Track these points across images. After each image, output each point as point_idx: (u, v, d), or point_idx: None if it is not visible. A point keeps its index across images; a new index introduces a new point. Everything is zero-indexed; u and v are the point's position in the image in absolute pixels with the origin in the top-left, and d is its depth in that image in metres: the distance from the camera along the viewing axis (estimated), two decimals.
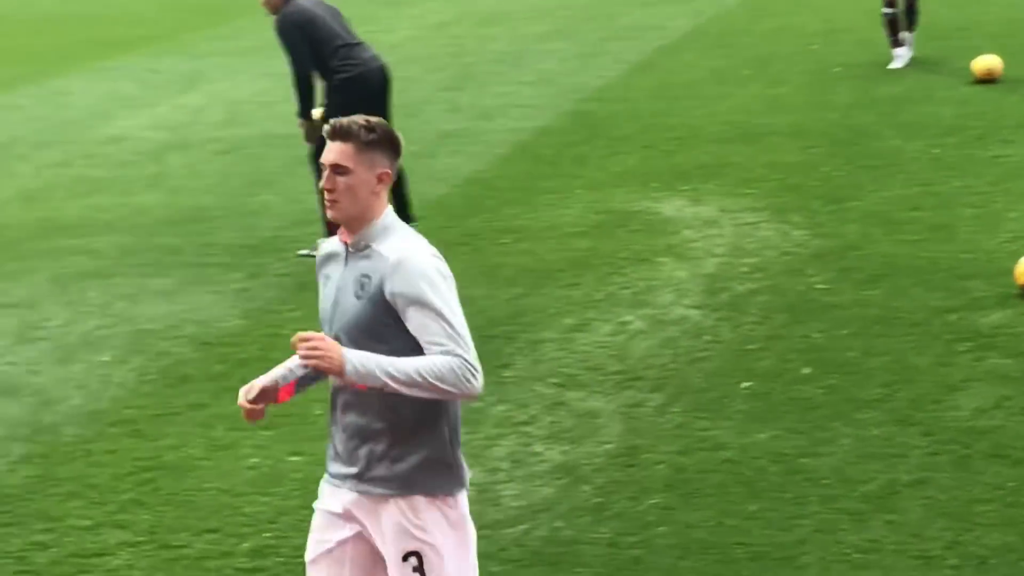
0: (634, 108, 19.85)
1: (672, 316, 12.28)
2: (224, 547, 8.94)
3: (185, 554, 8.90)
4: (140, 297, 13.47)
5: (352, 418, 6.09)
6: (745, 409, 10.40)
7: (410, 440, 6.04)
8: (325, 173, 6.11)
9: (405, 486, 6.04)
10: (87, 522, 9.30)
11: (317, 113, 14.10)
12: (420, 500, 6.04)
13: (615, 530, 8.85)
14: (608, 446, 9.96)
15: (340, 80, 14.18)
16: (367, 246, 6.08)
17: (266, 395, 6.14)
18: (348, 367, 5.81)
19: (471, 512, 6.14)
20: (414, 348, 6.01)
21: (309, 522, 9.00)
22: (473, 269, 13.37)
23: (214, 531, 9.14)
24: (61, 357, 12.10)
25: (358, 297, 6.05)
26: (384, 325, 6.01)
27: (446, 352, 5.93)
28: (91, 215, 16.27)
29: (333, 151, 6.08)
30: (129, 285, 13.84)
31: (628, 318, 12.21)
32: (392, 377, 5.83)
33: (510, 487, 9.44)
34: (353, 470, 6.09)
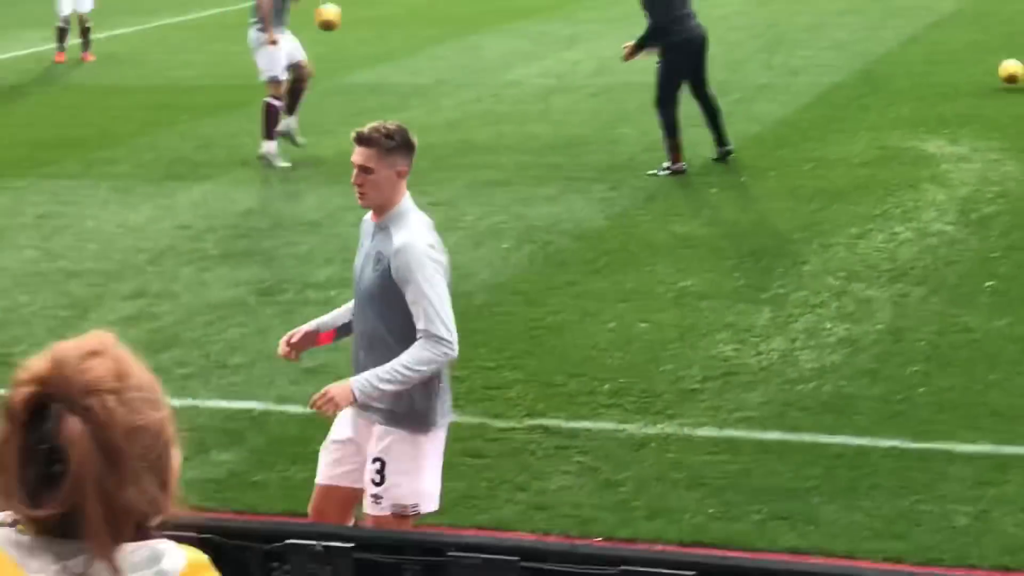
0: (908, 70, 19.56)
1: (932, 229, 12.25)
2: (589, 387, 9.17)
3: (561, 391, 9.15)
4: (531, 201, 13.74)
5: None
6: (988, 302, 10.37)
7: (403, 394, 5.95)
8: (355, 171, 5.99)
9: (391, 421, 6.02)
10: (490, 364, 9.60)
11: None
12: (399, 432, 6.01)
13: (885, 389, 8.93)
14: (880, 326, 10.02)
15: (674, 42, 14.37)
16: (386, 227, 5.96)
17: (307, 339, 6.32)
18: (356, 395, 5.80)
19: None
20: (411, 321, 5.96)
21: (652, 373, 9.30)
22: (781, 189, 13.49)
23: (582, 375, 9.37)
24: (474, 243, 12.44)
25: (374, 270, 5.98)
26: (393, 293, 5.92)
27: (422, 334, 5.83)
28: (496, 139, 16.56)
29: (360, 154, 5.94)
30: (523, 192, 14.14)
31: (898, 229, 12.21)
32: (389, 382, 5.79)
33: (805, 353, 9.55)
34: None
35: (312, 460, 7.65)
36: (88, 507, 2.06)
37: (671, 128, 14.39)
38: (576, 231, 12.71)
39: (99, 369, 2.13)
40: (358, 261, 6.10)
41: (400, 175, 5.95)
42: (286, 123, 15.54)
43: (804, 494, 7.53)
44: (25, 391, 2.11)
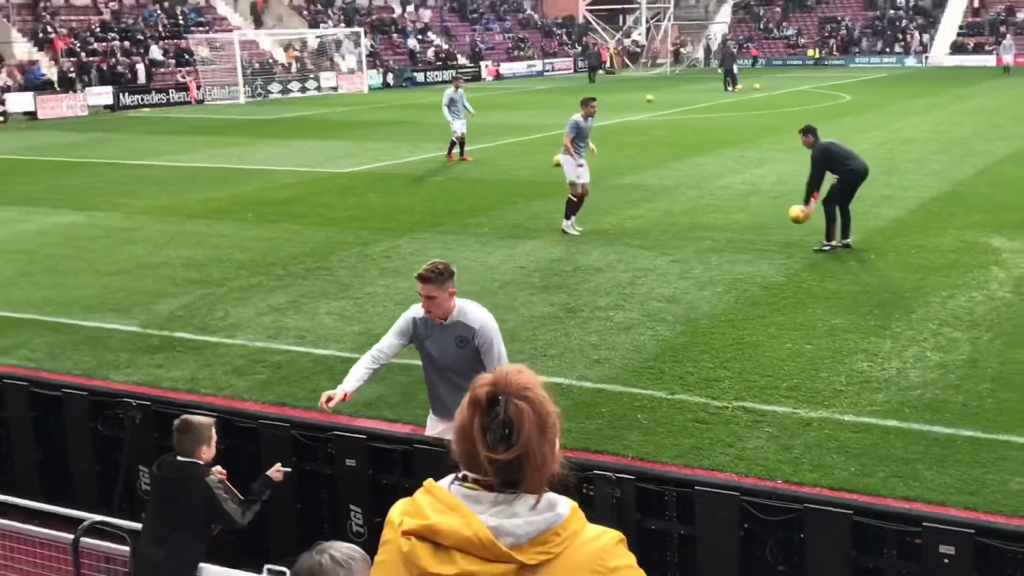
0: (979, 190, 18.58)
1: (997, 295, 11.62)
2: (774, 384, 8.91)
3: (755, 385, 8.89)
4: (736, 262, 13.44)
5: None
6: None
7: None
8: (423, 299, 5.54)
9: None
10: (711, 365, 9.46)
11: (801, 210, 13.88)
12: None
13: (965, 398, 8.50)
14: (962, 357, 9.55)
15: (849, 169, 13.95)
16: (456, 321, 5.68)
17: (338, 400, 5.65)
18: None
19: None
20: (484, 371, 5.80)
21: (813, 378, 8.99)
22: (897, 264, 12.99)
23: (769, 375, 9.12)
24: (699, 287, 12.28)
25: (460, 348, 5.68)
26: (475, 360, 5.69)
27: None
28: (713, 222, 16.21)
29: (424, 289, 5.58)
30: (730, 256, 13.77)
31: (974, 294, 11.64)
32: None
33: (914, 371, 9.18)
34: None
35: (593, 418, 7.82)
36: (530, 454, 2.08)
37: (831, 220, 14.07)
38: (764, 283, 12.48)
39: (525, 379, 2.15)
40: (433, 350, 5.69)
41: (452, 294, 5.60)
42: (567, 223, 15.75)
43: (912, 462, 7.31)
44: (484, 390, 2.12)
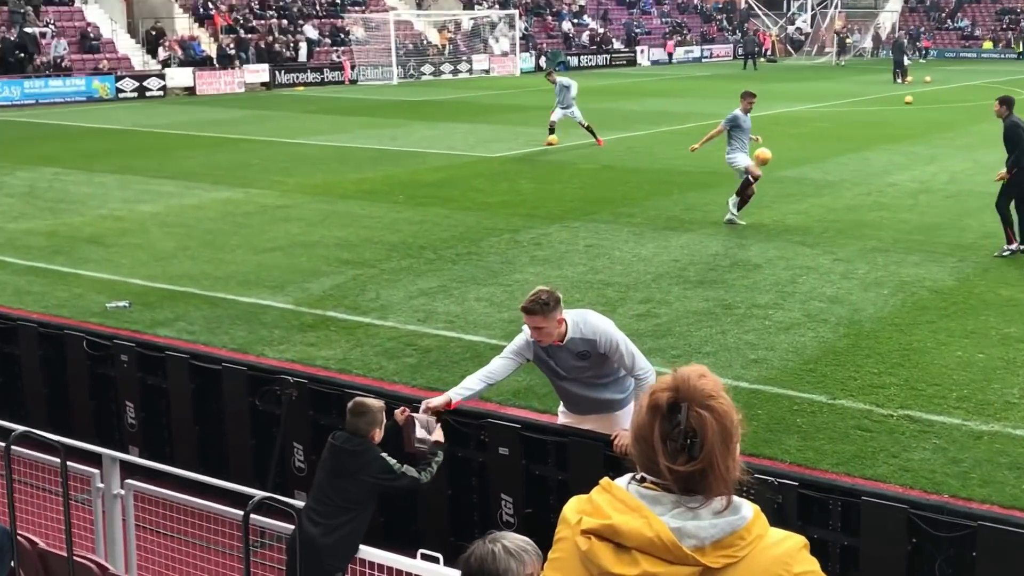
0: None
1: None
2: (942, 393, 8.67)
3: (922, 394, 8.66)
4: (903, 264, 13.07)
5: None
6: None
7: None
8: (531, 330, 5.58)
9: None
10: (875, 370, 9.23)
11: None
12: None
13: None
14: None
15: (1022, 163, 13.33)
16: (572, 339, 5.62)
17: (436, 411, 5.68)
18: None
19: None
20: (618, 372, 5.69)
21: (985, 389, 8.67)
22: None
23: (937, 384, 8.85)
24: (863, 288, 11.98)
25: (583, 362, 5.65)
26: (603, 362, 5.67)
27: (638, 377, 5.60)
28: (879, 221, 15.80)
29: (532, 321, 5.53)
30: (897, 257, 13.41)
31: None
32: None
33: None
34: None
35: (749, 420, 7.70)
36: (714, 466, 2.08)
37: (1007, 222, 13.47)
38: (933, 287, 12.07)
39: (708, 385, 2.13)
40: (556, 367, 5.73)
41: (560, 321, 5.57)
42: (732, 215, 15.53)
43: None
44: (665, 395, 2.11)
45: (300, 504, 5.53)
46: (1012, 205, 13.48)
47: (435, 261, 13.64)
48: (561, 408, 6.29)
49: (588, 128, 24.23)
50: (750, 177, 15.23)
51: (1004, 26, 60.63)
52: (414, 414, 5.80)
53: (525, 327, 5.78)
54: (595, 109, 32.62)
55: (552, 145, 24.36)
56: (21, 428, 5.58)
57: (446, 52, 50.68)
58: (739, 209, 15.38)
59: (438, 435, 5.67)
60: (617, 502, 2.11)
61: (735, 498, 2.13)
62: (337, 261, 13.73)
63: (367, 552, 5.13)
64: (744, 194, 15.34)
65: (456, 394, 5.85)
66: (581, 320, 5.72)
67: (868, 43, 63.94)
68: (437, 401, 5.84)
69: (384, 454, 5.41)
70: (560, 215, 16.51)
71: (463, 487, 6.41)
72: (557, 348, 5.72)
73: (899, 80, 43.07)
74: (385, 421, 5.53)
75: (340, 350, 10.17)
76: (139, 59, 41.95)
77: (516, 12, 53.85)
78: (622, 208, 17.03)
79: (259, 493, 5.61)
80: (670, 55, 59.11)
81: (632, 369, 5.74)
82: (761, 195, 17.01)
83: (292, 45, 45.56)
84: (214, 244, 14.94)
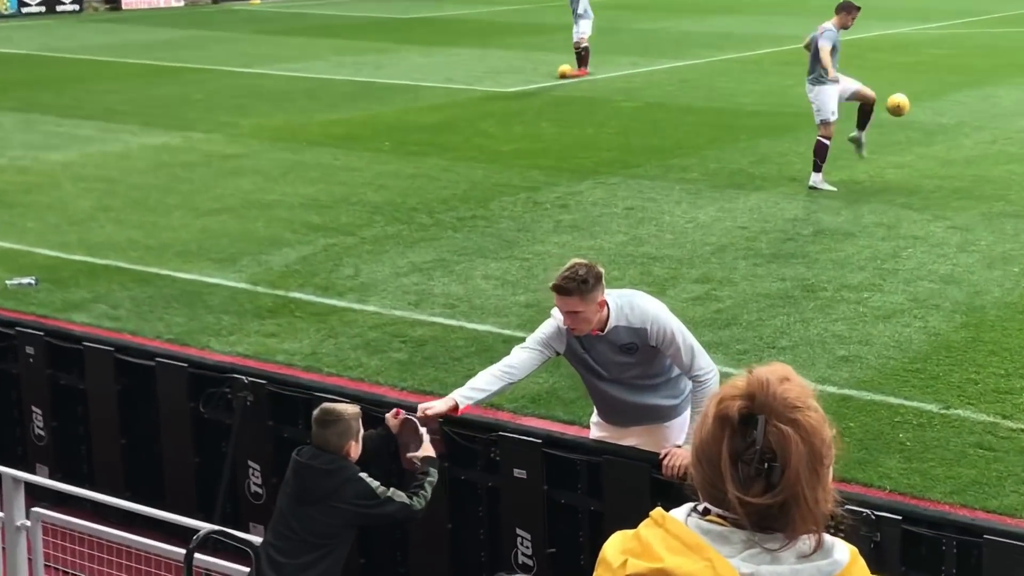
0: None
1: None
2: None
3: None
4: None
5: None
6: None
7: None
8: (564, 315, 5.63)
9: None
10: (1001, 371, 9.28)
11: None
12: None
13: None
14: None
15: None
16: (615, 327, 5.67)
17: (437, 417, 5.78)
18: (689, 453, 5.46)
19: None
20: (671, 371, 5.79)
21: None
22: None
23: None
24: (987, 265, 12.00)
25: (628, 357, 5.70)
26: (653, 357, 5.73)
27: (696, 377, 5.67)
28: (1008, 177, 15.79)
29: (566, 303, 5.57)
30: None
31: None
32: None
33: None
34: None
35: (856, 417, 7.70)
36: (800, 497, 2.08)
37: None
38: None
39: (793, 391, 2.14)
40: (594, 363, 5.81)
41: (600, 305, 5.62)
42: (859, 134, 15.46)
43: None
44: (737, 403, 2.13)
45: (258, 540, 5.56)
46: None
47: (431, 228, 13.68)
48: (595, 418, 6.32)
49: (579, 52, 24.17)
50: (824, 137, 15.08)
51: None
52: (411, 415, 5.83)
53: (555, 311, 5.81)
54: (638, 31, 32.48)
55: (580, 77, 24.32)
56: None
57: None
58: (822, 169, 15.21)
59: (427, 448, 5.71)
60: (672, 540, 2.13)
61: (826, 537, 2.15)
62: (304, 227, 13.78)
63: None
64: (823, 151, 15.16)
65: (464, 396, 5.87)
66: (627, 304, 5.77)
67: None
68: (439, 406, 5.86)
69: (363, 474, 5.44)
70: (593, 168, 16.53)
71: (467, 519, 6.44)
72: (596, 339, 5.77)
73: None
74: (363, 431, 5.55)
75: (308, 342, 10.21)
76: None
77: None
78: (674, 159, 17.03)
79: (205, 526, 5.63)
80: None
81: (690, 368, 5.76)
82: (850, 146, 16.89)
83: None
84: (145, 204, 14.99)
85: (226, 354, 9.71)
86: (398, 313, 10.87)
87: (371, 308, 11.03)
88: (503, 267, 12.14)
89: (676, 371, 5.93)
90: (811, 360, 9.52)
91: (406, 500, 5.44)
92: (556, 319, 5.83)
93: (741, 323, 10.42)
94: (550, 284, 5.73)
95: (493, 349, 9.80)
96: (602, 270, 5.70)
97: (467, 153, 17.61)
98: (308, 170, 16.67)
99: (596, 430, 6.31)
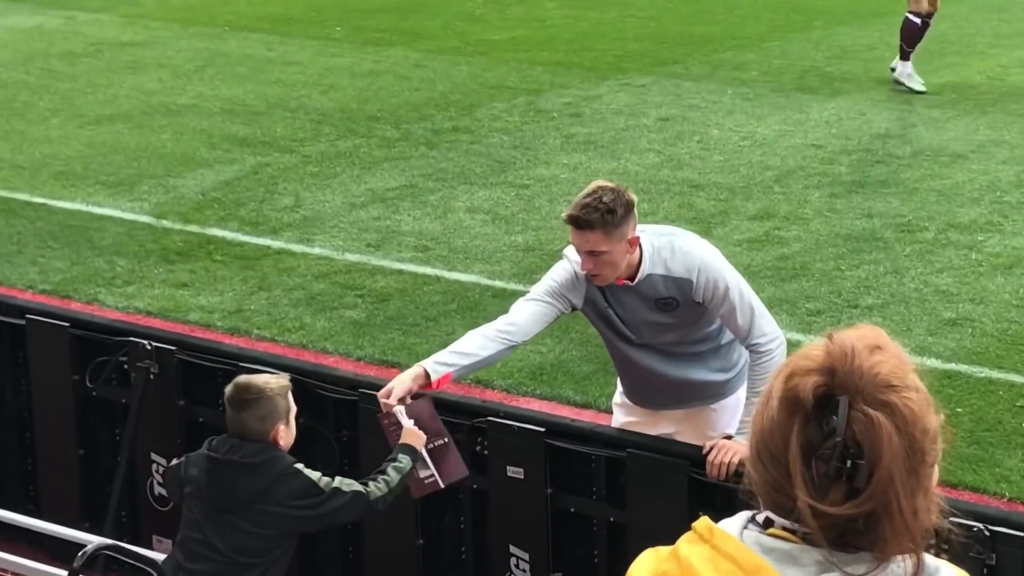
0: None
1: None
2: None
3: None
4: None
5: None
6: None
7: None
8: (581, 256, 5.59)
9: None
10: None
11: None
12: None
13: None
14: None
15: None
16: (649, 275, 5.69)
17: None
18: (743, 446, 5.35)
19: None
20: (722, 336, 5.87)
21: None
22: None
23: None
24: None
25: (666, 311, 5.75)
26: (698, 316, 5.78)
27: (752, 346, 5.71)
28: None
29: (584, 239, 5.53)
30: None
31: None
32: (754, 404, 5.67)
33: None
34: None
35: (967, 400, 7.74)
36: (893, 506, 2.10)
37: None
38: None
39: (887, 365, 2.16)
40: (621, 322, 5.87)
41: (632, 243, 5.64)
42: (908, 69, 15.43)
43: None
44: (811, 380, 2.13)
45: (161, 556, 5.58)
46: None
47: (397, 143, 13.63)
48: (619, 398, 6.36)
49: None
50: (914, 14, 15.02)
51: None
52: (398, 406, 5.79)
53: (570, 251, 5.84)
54: None
55: None
56: None
57: None
58: (911, 56, 15.19)
59: (406, 436, 5.69)
60: (723, 560, 2.16)
61: (927, 558, 2.18)
62: (227, 141, 13.75)
63: None
64: (913, 32, 15.05)
65: (438, 365, 5.78)
66: (666, 245, 5.79)
67: None
68: (400, 384, 5.76)
69: (299, 465, 5.45)
70: (616, 64, 16.45)
71: (444, 533, 6.47)
72: (624, 290, 5.82)
73: None
74: (294, 409, 5.57)
75: (232, 296, 10.22)
76: None
77: None
78: (724, 52, 16.95)
79: (93, 539, 5.65)
80: None
81: (748, 334, 5.78)
82: (961, 30, 16.86)
83: None
84: (11, 107, 14.94)
85: (122, 311, 9.71)
86: (353, 258, 10.87)
87: (317, 251, 11.03)
88: (494, 197, 12.12)
89: (728, 337, 5.93)
90: (906, 324, 9.53)
91: (359, 488, 5.44)
92: (571, 262, 5.82)
93: (813, 274, 10.42)
94: (564, 214, 5.72)
95: (480, 306, 9.78)
96: (634, 197, 5.70)
97: (446, 42, 17.52)
98: (232, 64, 16.59)
99: (620, 414, 6.33)
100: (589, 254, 5.59)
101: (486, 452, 6.26)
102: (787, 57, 16.78)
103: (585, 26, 18.39)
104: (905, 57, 15.21)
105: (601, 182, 5.70)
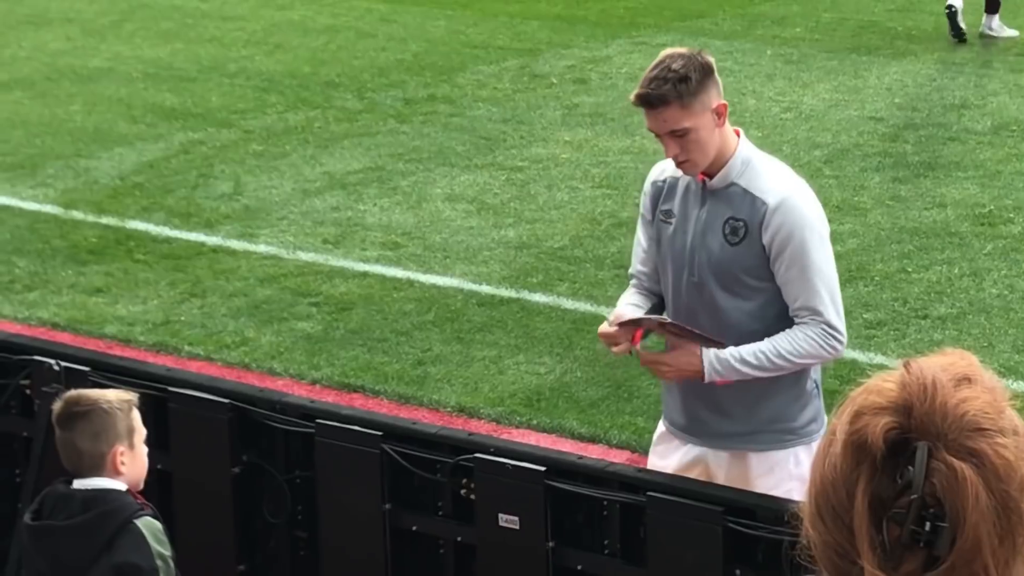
0: None
1: None
2: None
3: None
4: None
5: None
6: None
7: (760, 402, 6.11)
8: (664, 141, 5.74)
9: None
10: None
11: None
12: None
13: None
14: None
15: None
16: (731, 183, 5.80)
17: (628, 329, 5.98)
18: (707, 369, 5.73)
19: None
20: (776, 304, 5.87)
21: None
22: None
23: None
24: None
25: (731, 243, 5.82)
26: (752, 276, 5.83)
27: (811, 318, 5.75)
28: None
29: (659, 120, 5.69)
30: None
31: None
32: (754, 367, 5.74)
33: None
34: None
35: None
36: None
37: None
38: None
39: (977, 402, 2.13)
40: (678, 239, 6.02)
41: (719, 112, 5.80)
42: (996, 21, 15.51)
43: None
44: (882, 422, 2.13)
45: None
46: None
47: (360, 115, 13.69)
48: (662, 428, 6.37)
49: None
50: None
51: None
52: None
53: (655, 168, 6.13)
54: None
55: None
56: None
57: None
58: (998, 8, 15.28)
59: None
60: None
61: None
62: (150, 113, 13.78)
63: None
64: None
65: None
66: (765, 160, 5.99)
67: None
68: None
69: (148, 515, 5.44)
70: (628, 19, 16.51)
71: None
72: (695, 198, 5.99)
73: None
74: (142, 431, 5.55)
75: (158, 303, 10.22)
76: None
77: None
78: (761, 3, 17.05)
79: None
80: None
81: (804, 307, 5.85)
82: None
83: None
84: None
85: (22, 322, 9.71)
86: (306, 257, 10.88)
87: (262, 248, 11.05)
88: (479, 182, 12.15)
89: (772, 309, 5.99)
90: (987, 338, 9.56)
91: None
92: (649, 177, 6.13)
93: (872, 276, 10.45)
94: (631, 95, 5.86)
95: (462, 316, 9.80)
96: (711, 59, 5.87)
97: None
98: (156, 18, 16.61)
99: (655, 456, 6.37)
100: (671, 136, 5.74)
101: (473, 497, 6.26)
102: (839, 9, 16.83)
103: None
104: (991, 10, 15.28)
105: (668, 50, 5.84)
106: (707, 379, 5.85)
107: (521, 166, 12.43)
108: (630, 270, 6.32)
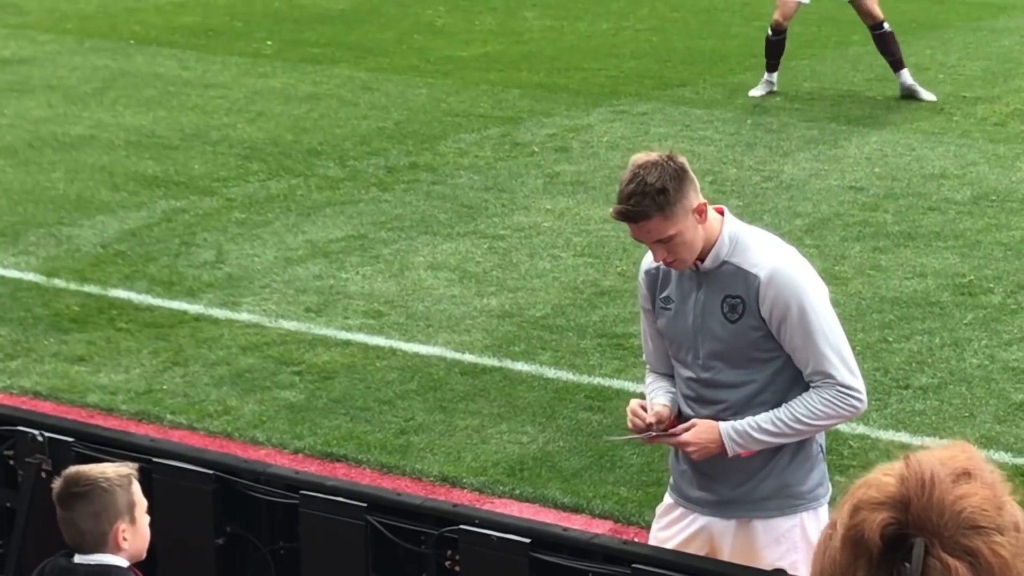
0: None
1: None
2: None
3: None
4: None
5: None
6: None
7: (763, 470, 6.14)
8: (650, 247, 5.86)
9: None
10: None
11: None
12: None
13: None
14: None
15: None
16: (723, 263, 5.86)
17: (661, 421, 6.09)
18: (726, 443, 5.80)
19: None
20: (789, 370, 5.90)
21: None
22: None
23: None
24: None
25: (731, 321, 5.89)
26: (759, 349, 5.88)
27: (824, 381, 5.79)
28: None
29: (642, 232, 5.77)
30: None
31: None
32: (774, 434, 5.79)
33: None
34: None
35: None
36: None
37: None
38: None
39: (975, 499, 2.15)
40: (680, 322, 6.09)
41: (700, 211, 5.85)
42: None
43: None
44: (879, 517, 2.14)
45: None
46: None
47: (342, 183, 13.69)
48: (668, 496, 6.36)
49: None
50: None
51: None
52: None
53: (646, 258, 6.21)
54: None
55: None
56: None
57: None
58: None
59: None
60: None
61: None
62: (133, 181, 13.77)
63: None
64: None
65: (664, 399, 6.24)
66: (737, 235, 5.99)
67: None
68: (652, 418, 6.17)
69: None
70: (610, 87, 16.55)
71: None
72: (689, 281, 6.06)
73: None
74: (143, 504, 5.56)
75: (140, 372, 10.21)
76: None
77: None
78: (742, 74, 17.06)
79: None
80: None
81: (815, 372, 5.88)
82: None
83: None
84: None
85: (3, 391, 9.67)
86: (289, 326, 10.87)
87: (244, 316, 11.03)
88: (461, 250, 12.14)
89: (785, 378, 6.01)
90: (968, 408, 9.55)
91: None
92: (642, 266, 6.21)
93: (853, 346, 9.94)
94: (611, 211, 5.93)
95: (445, 385, 9.78)
96: (682, 160, 5.91)
97: (402, 59, 17.60)
98: (139, 85, 16.64)
99: (656, 528, 6.37)
100: (657, 244, 5.83)
101: (458, 569, 6.23)
102: (819, 79, 16.91)
103: (572, 40, 18.47)
104: (899, 67, 15.82)
105: (639, 158, 5.87)
106: (730, 453, 5.89)
107: (503, 234, 12.44)
108: (644, 356, 6.45)
